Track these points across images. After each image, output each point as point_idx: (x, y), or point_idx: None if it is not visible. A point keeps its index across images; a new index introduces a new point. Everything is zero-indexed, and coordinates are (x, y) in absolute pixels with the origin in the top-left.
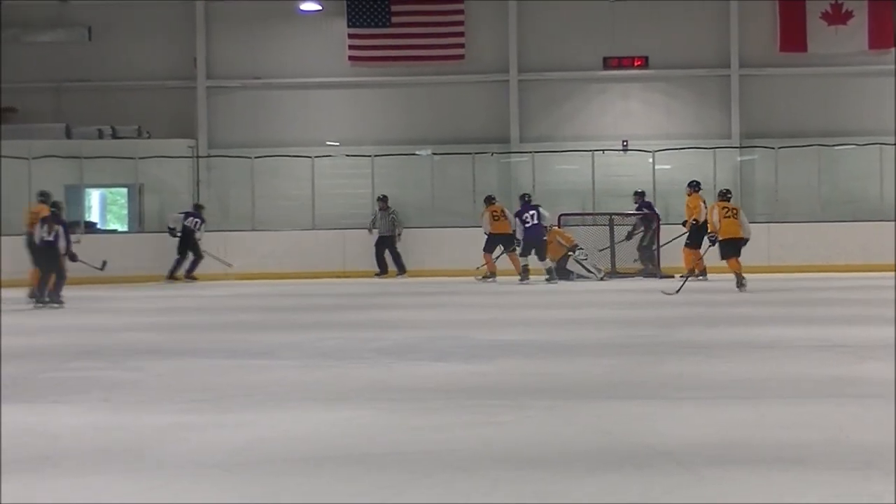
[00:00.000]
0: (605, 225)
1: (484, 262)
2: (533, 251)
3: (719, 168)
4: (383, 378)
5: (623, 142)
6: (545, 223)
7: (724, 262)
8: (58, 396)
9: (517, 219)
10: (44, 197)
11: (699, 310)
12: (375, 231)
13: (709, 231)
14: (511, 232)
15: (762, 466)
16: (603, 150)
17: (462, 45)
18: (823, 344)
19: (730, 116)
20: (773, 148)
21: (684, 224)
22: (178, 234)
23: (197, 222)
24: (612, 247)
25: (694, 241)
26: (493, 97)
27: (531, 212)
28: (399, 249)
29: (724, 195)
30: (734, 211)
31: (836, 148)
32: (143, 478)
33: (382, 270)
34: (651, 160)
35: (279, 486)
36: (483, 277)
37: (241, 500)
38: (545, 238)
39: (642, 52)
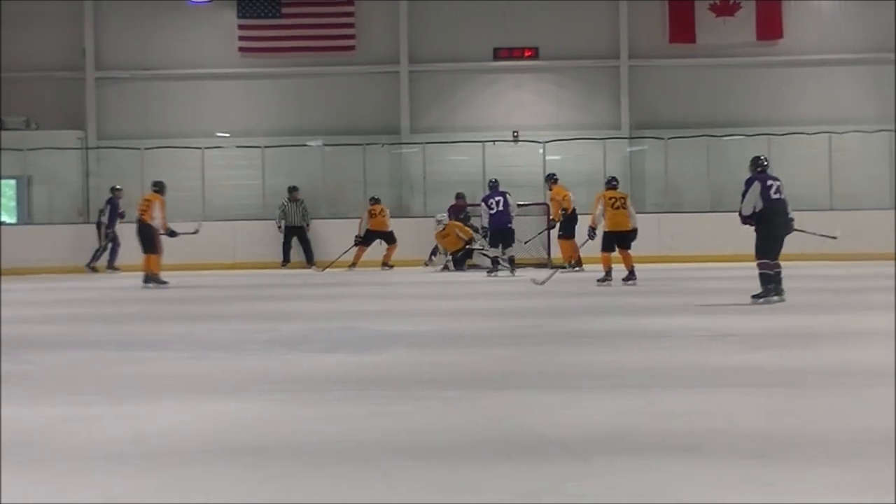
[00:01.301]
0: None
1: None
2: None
3: (609, 159)
4: (275, 369)
5: (514, 132)
6: (512, 212)
7: (602, 253)
8: None
9: (483, 204)
10: None
11: (588, 300)
12: (283, 222)
13: (590, 224)
14: (387, 230)
15: (653, 454)
16: (494, 141)
17: (353, 37)
18: (715, 334)
19: (619, 107)
20: (662, 138)
21: (554, 222)
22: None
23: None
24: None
25: (567, 232)
26: (383, 88)
27: (497, 198)
28: (309, 238)
29: (611, 182)
30: (622, 200)
31: (725, 138)
32: (32, 471)
33: (287, 260)
34: (542, 151)
35: (170, 479)
36: (387, 266)
37: (131, 493)
38: (511, 225)
39: (532, 43)
